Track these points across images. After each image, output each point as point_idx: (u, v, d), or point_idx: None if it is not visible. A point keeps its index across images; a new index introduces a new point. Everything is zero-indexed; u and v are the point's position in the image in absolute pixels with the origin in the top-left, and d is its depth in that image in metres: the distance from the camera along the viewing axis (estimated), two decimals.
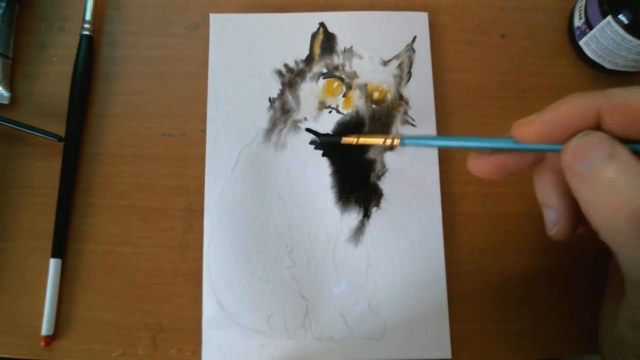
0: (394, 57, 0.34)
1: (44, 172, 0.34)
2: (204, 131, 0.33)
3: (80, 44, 0.35)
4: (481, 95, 0.35)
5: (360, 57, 0.34)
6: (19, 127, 0.33)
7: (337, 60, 0.34)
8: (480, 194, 0.34)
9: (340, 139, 0.30)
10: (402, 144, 0.27)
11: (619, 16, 0.31)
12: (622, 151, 0.20)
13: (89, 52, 0.35)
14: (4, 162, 0.34)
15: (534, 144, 0.23)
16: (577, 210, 0.24)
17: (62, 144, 0.34)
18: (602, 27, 0.32)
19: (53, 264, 0.32)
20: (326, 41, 0.34)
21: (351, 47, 0.34)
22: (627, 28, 0.31)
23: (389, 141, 0.27)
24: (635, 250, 0.19)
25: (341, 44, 0.34)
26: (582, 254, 0.33)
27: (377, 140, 0.28)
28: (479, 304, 0.32)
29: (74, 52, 0.35)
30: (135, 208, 0.34)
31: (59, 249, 0.32)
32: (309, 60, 0.34)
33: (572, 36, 0.36)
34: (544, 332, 0.32)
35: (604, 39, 0.32)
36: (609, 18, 0.31)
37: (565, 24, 0.37)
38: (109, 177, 0.34)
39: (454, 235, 0.33)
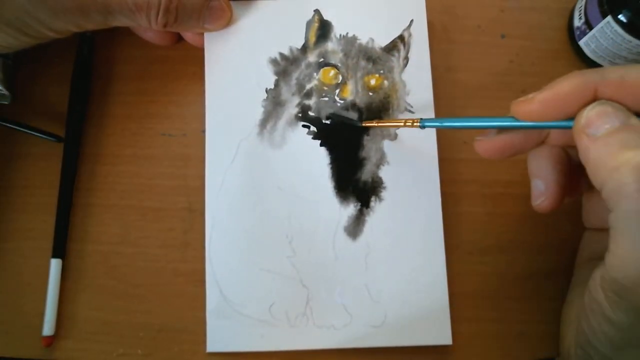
0: (391, 42, 0.33)
1: (44, 172, 0.34)
2: (204, 131, 0.33)
3: (80, 44, 0.35)
4: (481, 95, 0.35)
5: (356, 44, 0.33)
6: (19, 127, 0.33)
7: (332, 47, 0.33)
8: (480, 194, 0.34)
9: (361, 122, 0.32)
10: (421, 126, 0.28)
11: (619, 16, 0.31)
12: (636, 120, 0.22)
13: (89, 52, 0.35)
14: (4, 162, 0.34)
15: (535, 122, 0.24)
16: (564, 185, 0.27)
17: (62, 144, 0.34)
18: (601, 27, 0.32)
19: (54, 264, 0.32)
20: (321, 29, 0.34)
21: (347, 33, 0.34)
22: (627, 28, 0.31)
23: (408, 124, 0.28)
24: (636, 203, 0.20)
25: (337, 30, 0.34)
26: None
27: (397, 124, 0.28)
28: (479, 304, 0.32)
29: (73, 52, 0.35)
30: (135, 208, 0.34)
31: (60, 249, 0.32)
32: (304, 48, 0.34)
33: (572, 36, 0.36)
34: (544, 332, 0.32)
35: (604, 39, 0.32)
36: (609, 18, 0.31)
37: (565, 24, 0.37)
38: (109, 177, 0.34)
39: (454, 235, 0.33)
